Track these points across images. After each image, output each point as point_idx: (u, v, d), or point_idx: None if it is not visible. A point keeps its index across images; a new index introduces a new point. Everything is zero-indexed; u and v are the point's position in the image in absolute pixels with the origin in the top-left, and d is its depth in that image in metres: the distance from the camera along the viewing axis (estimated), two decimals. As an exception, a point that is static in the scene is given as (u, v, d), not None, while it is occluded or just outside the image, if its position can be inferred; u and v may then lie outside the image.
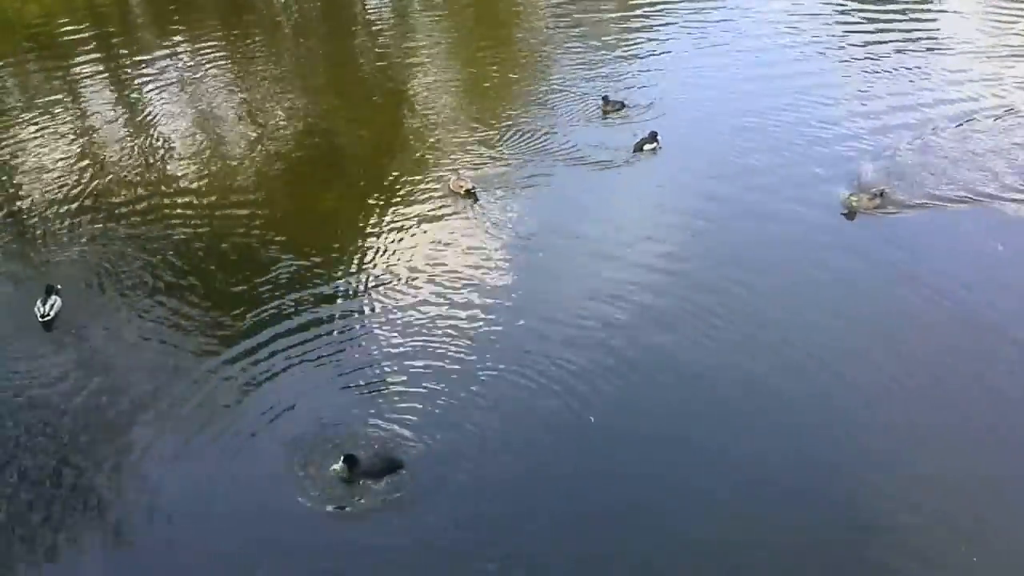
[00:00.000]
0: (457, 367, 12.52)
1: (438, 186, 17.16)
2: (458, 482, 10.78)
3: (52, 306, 13.74)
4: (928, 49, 22.60)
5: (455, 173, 17.26)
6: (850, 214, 15.52)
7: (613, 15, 27.15)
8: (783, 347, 12.71)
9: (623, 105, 19.54)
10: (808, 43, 23.18)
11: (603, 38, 25.03)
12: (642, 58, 23.08)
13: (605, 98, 19.71)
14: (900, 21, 25.07)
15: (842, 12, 26.39)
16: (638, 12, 26.79)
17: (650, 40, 24.30)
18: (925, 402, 11.63)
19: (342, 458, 10.65)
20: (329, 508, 10.54)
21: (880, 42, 23.11)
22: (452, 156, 18.41)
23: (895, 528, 10.05)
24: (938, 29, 24.50)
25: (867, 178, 16.27)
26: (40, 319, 13.69)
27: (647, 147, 17.77)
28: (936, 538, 9.96)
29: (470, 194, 16.42)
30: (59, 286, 14.20)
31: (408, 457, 11.05)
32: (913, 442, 11.09)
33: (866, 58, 22.59)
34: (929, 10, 26.50)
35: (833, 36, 24.06)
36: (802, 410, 11.72)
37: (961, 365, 12.16)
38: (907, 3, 26.60)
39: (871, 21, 25.25)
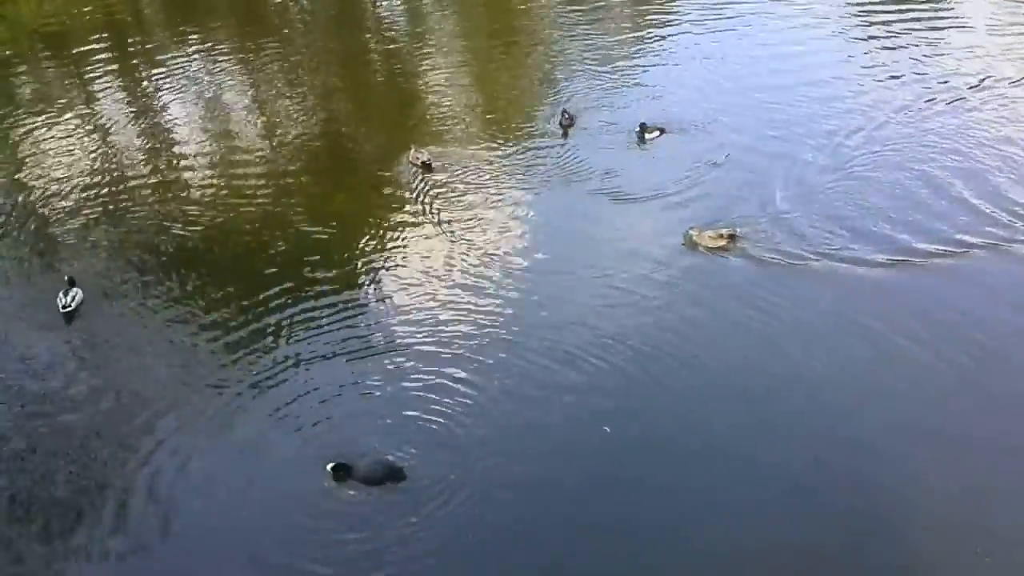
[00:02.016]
0: (467, 372, 12.78)
1: (444, 187, 17.76)
2: (462, 491, 10.95)
3: (73, 298, 14.59)
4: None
5: (413, 146, 18.67)
6: (689, 247, 15.30)
7: (628, 11, 27.84)
8: (799, 355, 12.91)
9: (573, 121, 19.59)
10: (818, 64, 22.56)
11: (617, 35, 25.65)
12: (650, 69, 23.29)
13: (564, 112, 19.72)
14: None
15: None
16: (653, 18, 26.95)
17: (660, 52, 24.46)
18: (946, 410, 11.90)
19: (331, 465, 11.09)
20: (335, 511, 10.87)
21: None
22: (460, 155, 18.92)
23: (909, 534, 10.28)
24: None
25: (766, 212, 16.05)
26: (61, 310, 14.48)
27: (649, 136, 18.59)
28: (949, 541, 10.23)
29: (426, 166, 18.08)
30: (76, 279, 14.91)
31: (414, 463, 11.27)
32: (930, 449, 11.36)
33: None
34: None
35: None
36: (818, 418, 11.82)
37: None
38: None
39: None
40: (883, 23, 24.82)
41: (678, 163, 17.92)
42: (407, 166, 18.43)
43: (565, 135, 19.42)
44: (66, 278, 15.01)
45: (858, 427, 11.66)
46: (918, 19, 24.80)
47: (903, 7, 25.54)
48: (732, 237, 15.17)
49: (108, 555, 10.76)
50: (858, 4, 26.76)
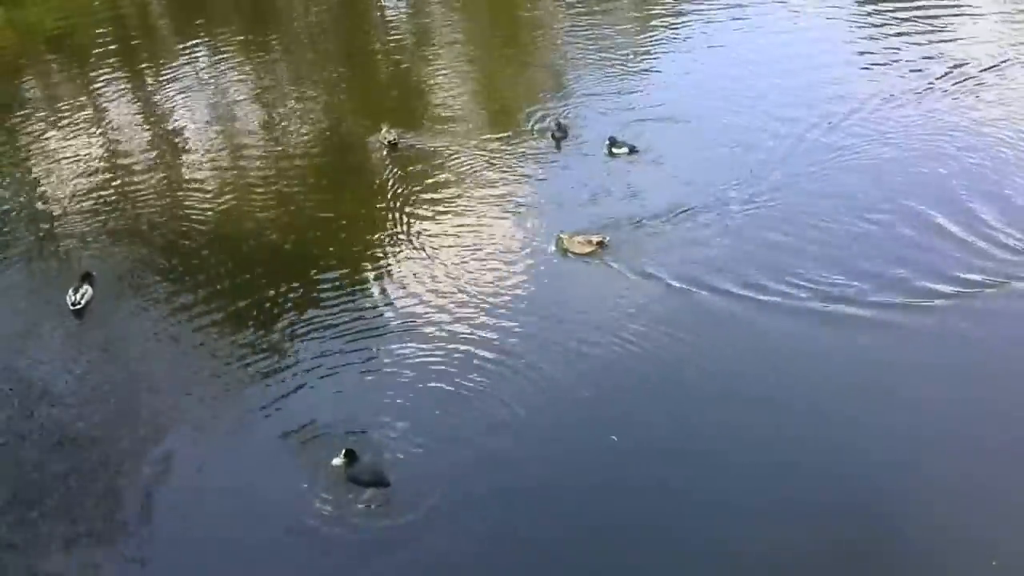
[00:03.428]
0: (474, 379, 12.87)
1: (451, 193, 17.96)
2: (465, 496, 11.12)
3: (83, 295, 14.85)
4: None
5: (384, 125, 19.66)
6: (560, 253, 15.49)
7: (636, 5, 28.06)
8: (809, 362, 13.00)
9: (566, 133, 19.26)
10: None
11: (623, 31, 25.86)
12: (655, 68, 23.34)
13: (557, 123, 19.42)
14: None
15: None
16: (662, 13, 27.08)
17: (666, 50, 24.48)
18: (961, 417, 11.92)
19: (343, 452, 11.30)
20: (334, 514, 11.01)
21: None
22: (469, 160, 19.06)
23: (918, 539, 10.38)
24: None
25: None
26: (71, 307, 14.73)
27: (616, 151, 18.22)
28: (957, 545, 10.27)
29: (392, 145, 19.16)
30: (94, 273, 15.31)
31: (417, 466, 11.39)
32: (938, 453, 11.42)
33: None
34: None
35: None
36: (827, 425, 11.82)
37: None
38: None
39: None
40: (893, 12, 25.19)
41: (654, 180, 17.86)
42: (376, 144, 19.56)
43: (558, 147, 19.19)
44: (80, 274, 15.35)
45: (868, 436, 11.69)
46: (930, 7, 25.12)
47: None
48: (601, 244, 15.44)
49: (110, 554, 11.04)
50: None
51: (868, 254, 15.40)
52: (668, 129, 19.66)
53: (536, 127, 20.03)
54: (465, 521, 10.95)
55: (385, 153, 19.22)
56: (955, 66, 21.38)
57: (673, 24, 26.37)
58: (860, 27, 25.16)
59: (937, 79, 20.90)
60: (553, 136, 19.24)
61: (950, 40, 23.09)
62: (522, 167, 18.86)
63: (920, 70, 21.57)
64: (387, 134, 19.51)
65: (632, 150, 18.36)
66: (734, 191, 17.18)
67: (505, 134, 20.25)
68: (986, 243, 15.23)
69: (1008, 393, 12.36)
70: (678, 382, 13.03)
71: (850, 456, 11.47)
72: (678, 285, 14.83)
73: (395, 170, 19.01)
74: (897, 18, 24.95)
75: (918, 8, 25.31)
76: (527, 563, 10.48)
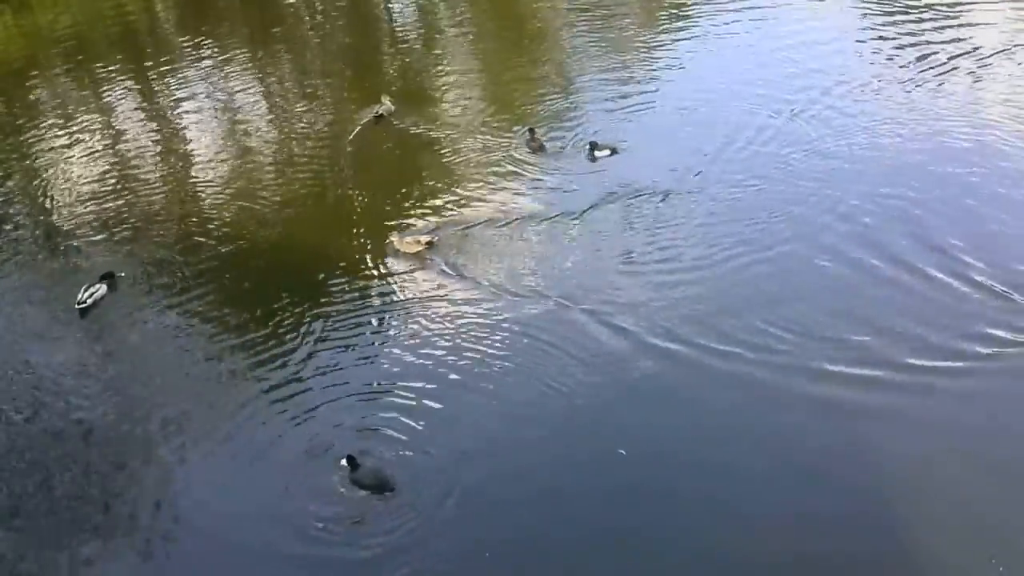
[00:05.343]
0: (481, 388, 12.72)
1: (459, 200, 17.55)
2: (471, 503, 11.01)
3: (92, 295, 14.88)
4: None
5: (386, 97, 20.32)
6: (391, 253, 15.77)
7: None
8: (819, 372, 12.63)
9: (543, 145, 18.85)
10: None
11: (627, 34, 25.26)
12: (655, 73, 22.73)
13: (531, 131, 19.01)
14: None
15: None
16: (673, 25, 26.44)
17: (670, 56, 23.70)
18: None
19: (344, 459, 11.34)
20: (338, 519, 11.01)
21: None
22: (475, 163, 18.81)
23: (922, 544, 10.29)
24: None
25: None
26: (77, 306, 14.73)
27: (598, 154, 18.01)
28: (964, 549, 10.18)
29: (378, 118, 19.70)
30: (122, 273, 15.50)
31: (415, 474, 11.35)
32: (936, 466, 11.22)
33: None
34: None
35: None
36: (834, 434, 11.65)
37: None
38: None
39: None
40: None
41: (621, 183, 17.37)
42: (368, 113, 20.25)
43: (534, 154, 18.76)
44: (101, 274, 15.52)
45: (869, 439, 11.59)
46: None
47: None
48: (429, 244, 15.82)
49: (113, 560, 11.06)
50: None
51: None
52: (662, 126, 19.64)
53: (530, 146, 19.24)
54: (469, 527, 10.88)
55: (369, 124, 19.99)
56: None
57: (682, 16, 26.03)
58: (879, 16, 24.70)
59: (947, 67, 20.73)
60: (528, 145, 18.88)
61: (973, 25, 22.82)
62: (488, 162, 18.73)
63: (927, 56, 21.34)
64: (381, 106, 19.92)
65: (613, 151, 18.19)
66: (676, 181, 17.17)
67: (490, 129, 20.20)
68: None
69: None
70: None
71: (862, 468, 11.31)
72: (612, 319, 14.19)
73: (369, 149, 19.59)
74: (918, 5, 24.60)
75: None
76: (531, 569, 10.43)
